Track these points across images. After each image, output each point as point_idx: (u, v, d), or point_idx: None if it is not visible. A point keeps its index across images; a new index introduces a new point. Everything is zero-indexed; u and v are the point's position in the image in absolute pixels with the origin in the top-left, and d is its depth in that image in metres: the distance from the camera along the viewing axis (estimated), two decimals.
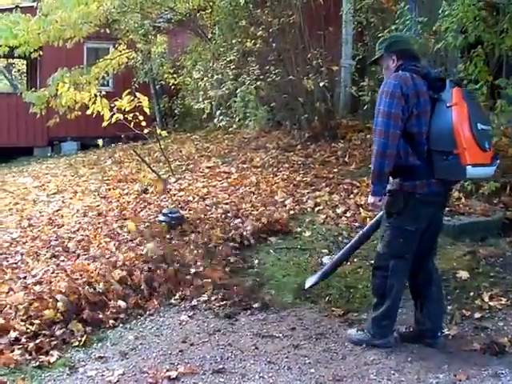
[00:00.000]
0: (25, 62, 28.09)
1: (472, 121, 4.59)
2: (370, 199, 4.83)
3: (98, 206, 10.17)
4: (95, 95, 9.92)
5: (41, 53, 14.73)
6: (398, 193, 4.79)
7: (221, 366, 4.78)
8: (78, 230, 8.72)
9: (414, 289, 5.20)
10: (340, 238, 7.41)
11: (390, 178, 4.85)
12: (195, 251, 7.11)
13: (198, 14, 15.03)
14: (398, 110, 4.62)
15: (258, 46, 11.92)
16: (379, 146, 4.65)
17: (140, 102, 9.45)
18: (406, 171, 4.74)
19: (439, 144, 4.66)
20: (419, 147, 4.71)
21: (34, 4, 15.69)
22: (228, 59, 12.17)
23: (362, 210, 8.09)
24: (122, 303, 5.99)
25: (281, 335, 5.34)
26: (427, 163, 4.69)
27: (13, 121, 20.27)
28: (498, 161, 4.90)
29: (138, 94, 9.55)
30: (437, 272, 5.29)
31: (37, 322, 5.40)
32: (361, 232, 5.85)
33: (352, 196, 8.75)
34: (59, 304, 5.62)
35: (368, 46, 11.40)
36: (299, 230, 7.84)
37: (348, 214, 8.13)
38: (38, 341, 5.19)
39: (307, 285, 6.09)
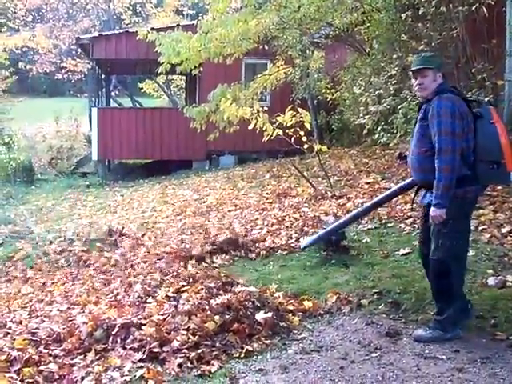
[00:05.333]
0: (183, 77, 28.98)
1: (508, 135, 5.39)
2: (437, 212, 5.29)
3: (257, 219, 10.30)
4: (257, 111, 10.06)
5: (201, 69, 15.11)
6: (453, 200, 5.27)
7: None
8: None
9: None
10: (506, 259, 7.10)
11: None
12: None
13: (355, 29, 14.94)
14: (459, 128, 5.22)
15: None
16: (448, 162, 5.20)
17: (301, 118, 9.51)
18: (459, 181, 5.25)
19: (488, 155, 5.29)
20: (468, 159, 5.32)
21: (194, 22, 16.11)
22: (388, 74, 12.01)
23: None
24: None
25: (444, 357, 5.17)
26: (473, 172, 5.31)
27: (173, 135, 20.91)
28: None
29: (300, 109, 9.62)
30: None
31: (198, 332, 5.50)
32: (373, 200, 6.59)
33: None
34: (218, 317, 5.71)
35: None
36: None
37: None
38: (199, 351, 5.28)
39: (303, 244, 6.92)
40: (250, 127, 10.83)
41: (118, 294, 7.01)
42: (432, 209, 5.33)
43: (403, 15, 11.87)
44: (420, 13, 11.59)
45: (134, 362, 5.10)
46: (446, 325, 5.50)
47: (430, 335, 5.52)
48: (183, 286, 6.80)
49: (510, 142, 5.36)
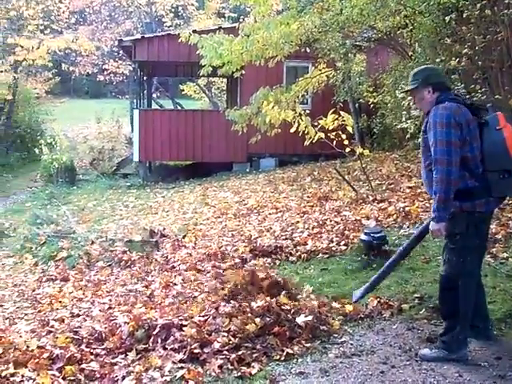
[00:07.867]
0: (225, 80, 29.03)
1: None
2: (435, 226, 5.06)
3: (298, 222, 10.28)
4: (300, 114, 10.05)
5: (242, 72, 15.14)
6: (460, 214, 5.07)
7: None
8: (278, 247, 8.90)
9: None
10: None
11: None
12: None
13: (398, 32, 14.83)
14: (455, 138, 4.95)
15: (462, 64, 11.58)
16: (443, 173, 4.93)
17: (343, 121, 9.47)
18: (465, 194, 5.03)
19: (496, 164, 5.02)
20: (475, 170, 5.06)
21: (236, 25, 16.14)
22: None
23: None
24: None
25: (486, 364, 5.13)
26: (484, 184, 5.02)
27: (214, 137, 20.97)
28: None
29: (342, 112, 9.59)
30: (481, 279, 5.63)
31: (239, 334, 5.52)
32: (402, 246, 6.44)
33: None
34: (259, 319, 5.72)
35: None
36: (505, 255, 7.48)
37: None
38: (239, 352, 5.31)
39: (354, 299, 6.60)
40: (292, 130, 10.80)
41: (158, 294, 7.04)
42: (431, 223, 5.17)
43: (447, 18, 11.75)
44: (464, 16, 11.47)
45: (174, 363, 5.14)
46: (450, 345, 5.25)
47: (434, 355, 5.28)
48: (222, 288, 6.83)
49: None
